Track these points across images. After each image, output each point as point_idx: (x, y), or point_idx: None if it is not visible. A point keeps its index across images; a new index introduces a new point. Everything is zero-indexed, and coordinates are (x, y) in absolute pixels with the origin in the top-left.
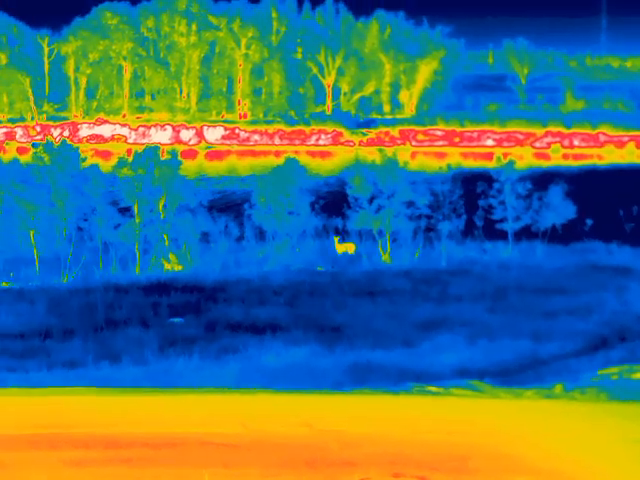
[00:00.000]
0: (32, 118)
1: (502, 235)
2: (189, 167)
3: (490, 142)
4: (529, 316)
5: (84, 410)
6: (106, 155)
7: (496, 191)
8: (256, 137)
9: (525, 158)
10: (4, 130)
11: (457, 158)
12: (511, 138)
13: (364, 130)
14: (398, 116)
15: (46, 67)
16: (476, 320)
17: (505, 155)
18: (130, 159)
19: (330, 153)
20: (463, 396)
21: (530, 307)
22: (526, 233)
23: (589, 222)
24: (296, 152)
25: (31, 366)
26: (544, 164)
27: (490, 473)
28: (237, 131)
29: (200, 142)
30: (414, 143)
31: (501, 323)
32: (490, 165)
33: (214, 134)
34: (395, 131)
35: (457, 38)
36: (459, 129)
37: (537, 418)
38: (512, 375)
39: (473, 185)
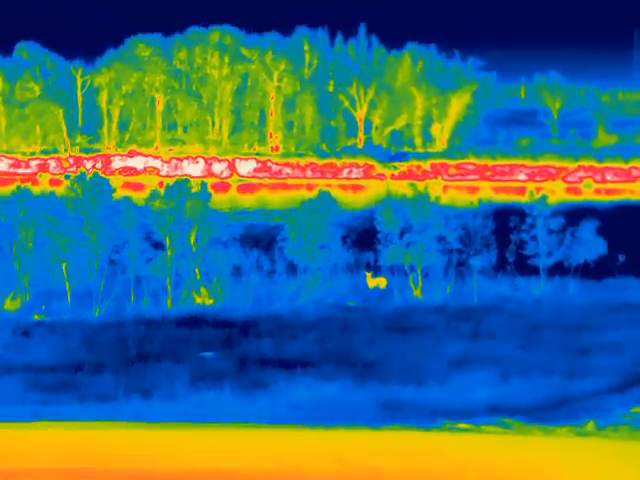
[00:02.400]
0: (65, 150)
1: (534, 270)
2: (221, 200)
3: (522, 176)
4: (561, 353)
5: (115, 444)
6: (138, 187)
7: (528, 226)
8: (288, 170)
9: (557, 192)
10: (37, 162)
11: (489, 192)
12: (543, 172)
13: (396, 163)
14: (430, 150)
15: (79, 99)
16: (508, 357)
17: (537, 190)
18: (162, 192)
19: (361, 186)
20: (494, 433)
21: (562, 344)
22: (558, 269)
23: (621, 258)
24: (328, 185)
25: (63, 400)
26: (576, 199)
27: None
28: (269, 164)
29: (232, 175)
30: (446, 177)
31: (533, 360)
32: (522, 200)
33: (246, 167)
34: (427, 165)
35: (489, 71)
36: (491, 163)
37: (569, 455)
38: (544, 412)
39: (505, 220)
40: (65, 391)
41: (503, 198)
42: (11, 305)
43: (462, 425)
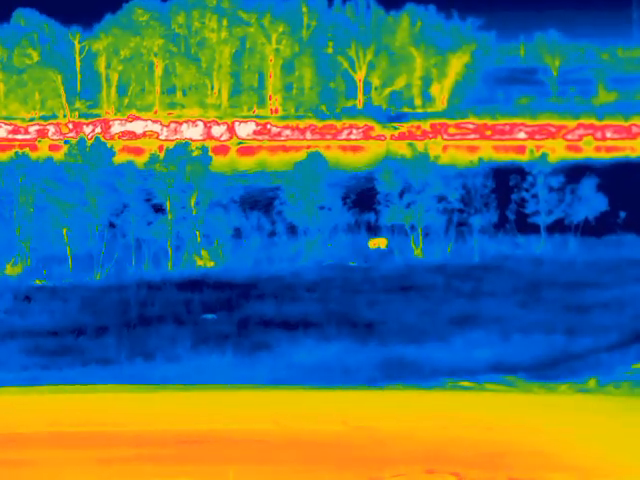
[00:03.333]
0: (64, 115)
1: (535, 229)
2: (221, 163)
3: (522, 135)
4: (562, 311)
5: (116, 407)
6: (138, 152)
7: (528, 184)
8: (287, 132)
9: (557, 151)
10: (36, 128)
11: (489, 151)
12: (543, 131)
13: (395, 124)
14: (429, 110)
15: (77, 64)
16: (509, 315)
17: (537, 148)
18: (162, 155)
19: (361, 147)
20: (497, 391)
21: (563, 301)
22: (559, 226)
23: (622, 215)
24: (327, 147)
25: (65, 364)
26: (576, 157)
27: (524, 469)
28: (268, 126)
29: (231, 138)
30: (445, 137)
31: (534, 318)
32: (522, 158)
33: (245, 130)
34: (426, 125)
35: (488, 31)
36: (491, 122)
37: (571, 413)
38: (546, 370)
39: (505, 178)
40: (67, 355)
41: (503, 157)
42: (12, 270)
43: (464, 383)
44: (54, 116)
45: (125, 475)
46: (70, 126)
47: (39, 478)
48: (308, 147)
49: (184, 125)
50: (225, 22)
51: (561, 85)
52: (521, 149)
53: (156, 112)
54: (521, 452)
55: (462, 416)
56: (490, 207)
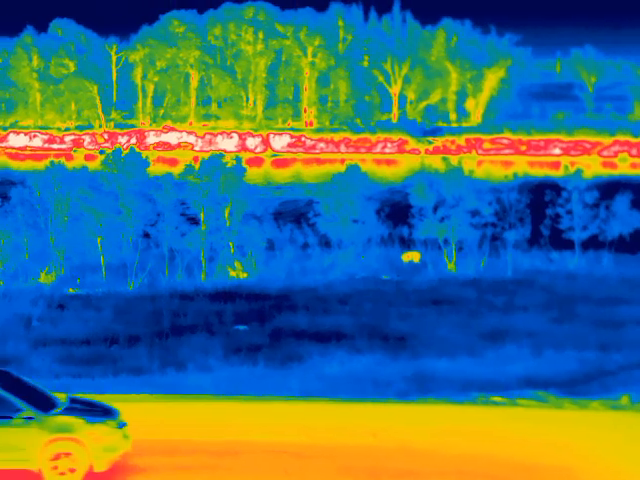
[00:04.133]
0: (100, 126)
1: (569, 245)
2: (255, 175)
3: (557, 151)
4: (596, 326)
5: (148, 417)
6: (172, 162)
7: (563, 200)
8: (322, 145)
9: (592, 167)
10: (72, 137)
11: (524, 167)
12: (578, 147)
13: (430, 138)
14: (464, 124)
15: (114, 75)
16: (542, 330)
17: (572, 164)
18: (197, 166)
19: (396, 161)
20: (528, 407)
21: (597, 317)
22: (593, 243)
23: None
24: (362, 160)
25: (97, 372)
26: (611, 173)
27: None
28: (303, 139)
29: (266, 150)
30: (480, 151)
31: (567, 333)
32: (557, 174)
33: (280, 142)
34: (461, 139)
35: (524, 46)
36: (526, 138)
37: (603, 429)
38: (578, 386)
39: (540, 194)
40: (99, 364)
41: (538, 172)
42: (46, 279)
43: (495, 398)
44: (90, 126)
45: None
46: (105, 136)
47: None
48: (342, 160)
49: (219, 136)
50: (261, 34)
51: (597, 101)
52: (556, 165)
53: (191, 123)
54: (552, 468)
55: (493, 431)
56: (524, 222)
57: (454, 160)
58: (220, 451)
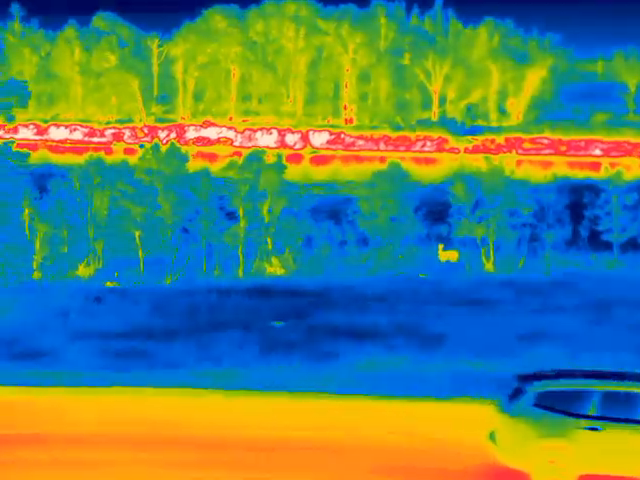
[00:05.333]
0: (140, 120)
1: (607, 246)
2: (294, 171)
3: (597, 152)
4: (633, 329)
5: (184, 411)
6: (212, 158)
7: (602, 201)
8: (361, 142)
9: (633, 168)
10: (112, 131)
11: (563, 167)
12: (619, 148)
13: (470, 137)
14: (504, 124)
15: (155, 69)
16: (578, 332)
17: (613, 165)
18: (238, 162)
19: (435, 160)
20: None
21: (634, 320)
22: (632, 245)
23: None
24: (401, 158)
25: (133, 366)
26: None
27: None
28: (342, 136)
29: (305, 146)
30: (520, 151)
31: (604, 336)
32: (597, 175)
33: (319, 139)
34: (501, 139)
35: (566, 46)
36: (566, 138)
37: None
38: None
39: (579, 195)
40: (135, 357)
41: (578, 173)
42: (84, 272)
43: None
44: (130, 120)
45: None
46: (145, 130)
47: (94, 478)
48: (381, 158)
49: (258, 132)
50: (303, 31)
51: (639, 102)
52: (596, 166)
53: (231, 119)
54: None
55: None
56: (563, 223)
57: (495, 159)
58: (254, 447)
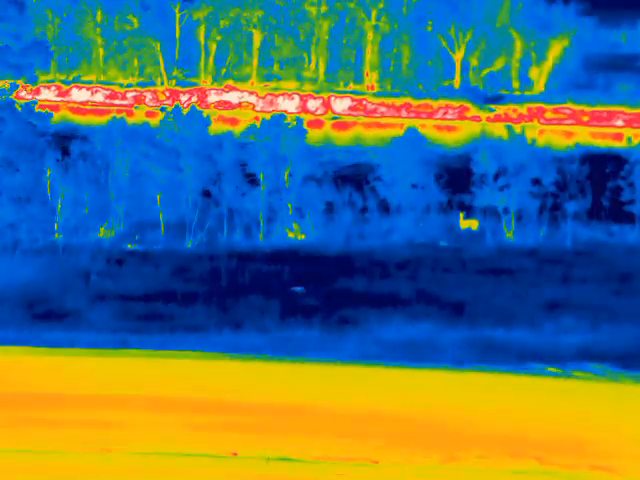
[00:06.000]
0: (162, 83)
1: (629, 217)
2: (315, 136)
3: (620, 122)
4: None
5: (204, 374)
6: (233, 122)
7: (625, 172)
8: (383, 109)
9: None
10: (134, 94)
11: (586, 137)
12: None
13: (492, 106)
14: (527, 93)
15: (177, 33)
16: (600, 303)
17: (635, 136)
18: (258, 126)
19: (456, 128)
20: (584, 379)
21: None
22: None
23: None
24: (422, 126)
25: (154, 329)
26: None
27: (608, 458)
28: (364, 102)
29: (327, 112)
30: (542, 121)
31: (626, 307)
32: (620, 146)
33: (341, 105)
34: (523, 108)
35: (590, 16)
36: (588, 108)
37: None
38: (636, 360)
39: (601, 165)
40: (156, 320)
41: (600, 144)
42: (105, 234)
43: (551, 369)
44: (152, 83)
45: (214, 442)
46: (167, 94)
47: (129, 440)
48: (402, 125)
49: (280, 97)
50: None
51: None
52: (618, 137)
53: (253, 83)
54: (605, 441)
55: (547, 402)
56: (585, 193)
57: (517, 128)
58: (277, 410)
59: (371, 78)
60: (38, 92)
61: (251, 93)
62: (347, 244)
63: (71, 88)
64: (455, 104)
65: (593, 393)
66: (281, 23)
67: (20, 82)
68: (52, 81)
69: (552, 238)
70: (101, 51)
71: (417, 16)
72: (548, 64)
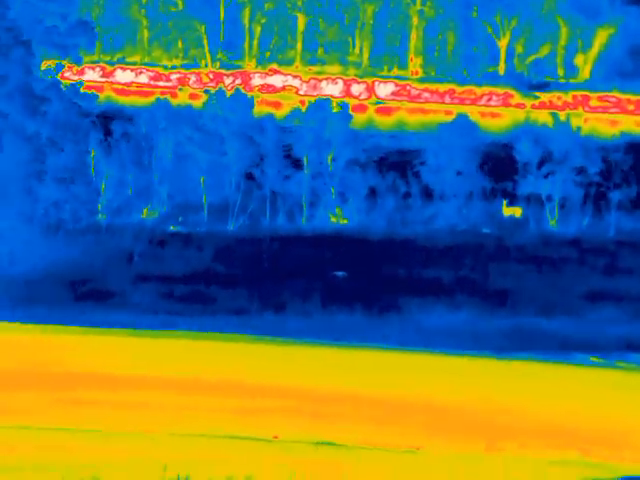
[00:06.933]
0: (206, 65)
1: None
2: (359, 121)
3: None
4: None
5: (246, 358)
6: (277, 105)
7: None
8: (426, 95)
9: None
10: (178, 76)
11: (631, 126)
12: None
13: (536, 93)
14: (572, 81)
15: (222, 15)
16: None
17: None
18: (303, 110)
19: (500, 114)
20: (626, 370)
21: None
22: None
23: None
24: (466, 112)
25: (196, 311)
26: None
27: None
28: (408, 88)
29: (370, 97)
30: (587, 109)
31: None
32: None
33: (385, 90)
34: (568, 96)
35: (637, 5)
36: (634, 97)
37: None
38: None
39: None
40: (198, 303)
41: None
42: (148, 215)
43: (593, 359)
44: (196, 65)
45: (256, 425)
46: (211, 76)
47: (171, 421)
48: (446, 111)
49: (323, 82)
50: None
51: None
52: None
53: (297, 67)
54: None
55: (589, 393)
56: (630, 183)
57: (562, 116)
58: (318, 397)
59: (415, 63)
60: (83, 73)
61: (295, 77)
62: (389, 230)
63: (115, 69)
64: (499, 91)
65: (636, 384)
66: (326, 7)
67: (65, 62)
68: (97, 62)
69: (596, 227)
70: (146, 32)
71: (462, 2)
72: (594, 52)
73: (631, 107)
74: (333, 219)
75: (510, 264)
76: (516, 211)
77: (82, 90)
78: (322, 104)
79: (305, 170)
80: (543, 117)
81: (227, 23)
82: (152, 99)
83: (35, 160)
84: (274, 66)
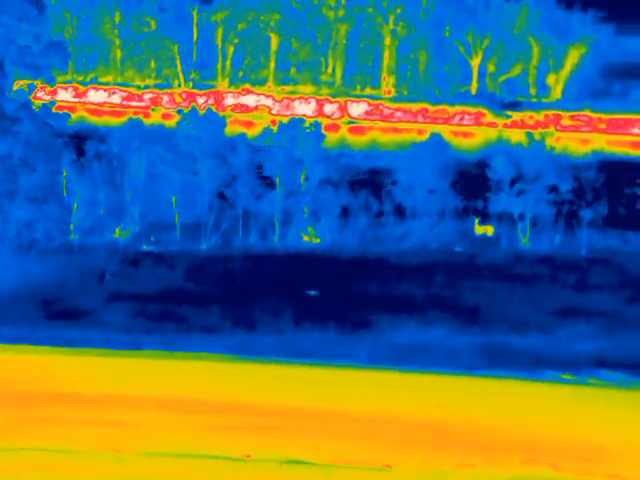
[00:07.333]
0: (179, 85)
1: None
2: (331, 140)
3: (637, 130)
4: None
5: (217, 376)
6: (249, 125)
7: None
8: (399, 114)
9: None
10: (150, 96)
11: (602, 145)
12: None
13: (508, 112)
14: (544, 100)
15: (195, 35)
16: (614, 310)
17: None
18: (275, 129)
19: (473, 134)
20: (598, 387)
21: None
22: None
23: None
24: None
25: (168, 329)
26: None
27: (622, 467)
28: (381, 107)
29: (343, 116)
30: (559, 128)
31: None
32: (636, 153)
33: (357, 109)
34: (540, 115)
35: (608, 23)
36: (605, 116)
37: None
38: None
39: (618, 173)
40: (170, 321)
41: (617, 151)
42: (121, 235)
43: (565, 376)
44: (169, 85)
45: (227, 444)
46: (184, 96)
47: (141, 440)
48: (419, 131)
49: (296, 101)
50: (343, 0)
51: None
52: (635, 144)
53: (269, 87)
54: (620, 450)
55: (561, 409)
56: (601, 201)
57: (536, 135)
58: (290, 413)
59: (388, 83)
60: (55, 93)
61: (268, 96)
62: (362, 248)
63: (88, 89)
64: (472, 110)
65: (608, 400)
66: (299, 27)
67: (38, 83)
68: (70, 82)
69: (568, 245)
70: (119, 52)
71: (435, 21)
72: (565, 71)
73: (602, 126)
74: (306, 238)
75: (482, 282)
76: (488, 229)
77: (54, 110)
78: (295, 123)
79: (278, 189)
80: (516, 136)
81: (200, 43)
82: (125, 119)
83: (7, 180)
84: (247, 86)
